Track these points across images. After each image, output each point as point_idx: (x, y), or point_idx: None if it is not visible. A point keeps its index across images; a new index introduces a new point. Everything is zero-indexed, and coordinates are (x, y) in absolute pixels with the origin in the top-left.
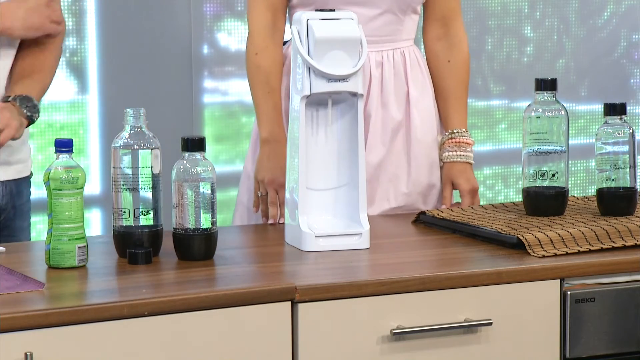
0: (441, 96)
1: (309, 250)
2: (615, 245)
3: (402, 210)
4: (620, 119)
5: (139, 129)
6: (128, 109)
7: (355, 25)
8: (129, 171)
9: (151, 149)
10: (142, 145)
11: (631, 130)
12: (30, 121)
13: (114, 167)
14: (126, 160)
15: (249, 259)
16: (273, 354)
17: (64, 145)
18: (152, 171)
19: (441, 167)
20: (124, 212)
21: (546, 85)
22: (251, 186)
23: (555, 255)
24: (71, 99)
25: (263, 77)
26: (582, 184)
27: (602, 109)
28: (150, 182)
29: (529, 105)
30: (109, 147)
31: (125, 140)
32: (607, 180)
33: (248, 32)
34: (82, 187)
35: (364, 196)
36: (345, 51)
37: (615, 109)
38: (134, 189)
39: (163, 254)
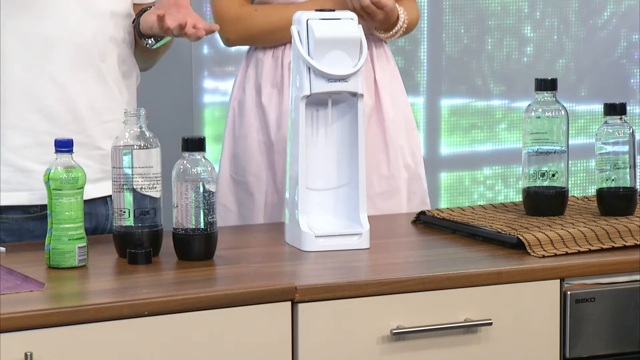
0: None
1: (309, 250)
2: (615, 245)
3: (389, 195)
4: (620, 119)
5: (139, 129)
6: (128, 109)
7: (355, 25)
8: (129, 171)
9: (151, 149)
10: (142, 145)
11: (631, 130)
12: None
13: (114, 167)
14: (126, 160)
15: (249, 259)
16: (273, 354)
17: (64, 145)
18: (152, 171)
19: None
20: (124, 212)
21: (546, 85)
22: (232, 187)
23: (555, 255)
24: None
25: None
26: (582, 184)
27: (602, 109)
28: (151, 182)
29: (529, 105)
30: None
31: (126, 141)
32: (607, 180)
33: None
34: (82, 187)
35: (364, 196)
36: (345, 51)
37: (615, 109)
38: (134, 189)
39: (163, 254)
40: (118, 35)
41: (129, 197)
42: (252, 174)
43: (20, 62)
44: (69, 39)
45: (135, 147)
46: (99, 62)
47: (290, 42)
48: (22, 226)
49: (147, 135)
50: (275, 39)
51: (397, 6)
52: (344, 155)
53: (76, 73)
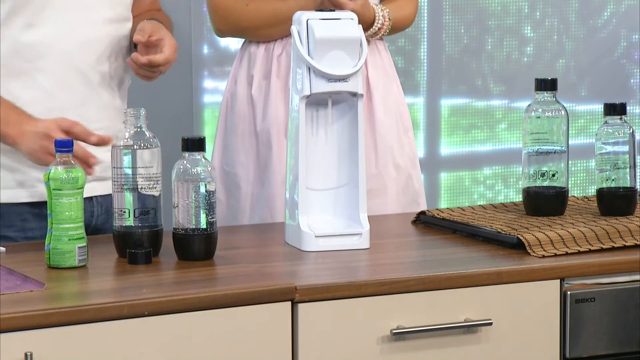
0: None
1: (309, 250)
2: (615, 245)
3: (375, 194)
4: (620, 119)
5: (139, 129)
6: (128, 109)
7: (355, 25)
8: (129, 171)
9: (151, 149)
10: (143, 145)
11: (631, 130)
12: None
13: (114, 167)
14: (126, 160)
15: (249, 259)
16: (273, 354)
17: (64, 145)
18: (152, 171)
19: None
20: (124, 212)
21: (546, 85)
22: (222, 178)
23: (555, 255)
24: None
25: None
26: (582, 184)
27: (602, 109)
28: (151, 182)
29: (529, 105)
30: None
31: (126, 140)
32: (607, 180)
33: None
34: (82, 187)
35: (364, 196)
36: (345, 51)
37: (615, 109)
38: (134, 189)
39: (163, 254)
40: (111, 41)
41: (129, 197)
42: (240, 165)
43: (9, 68)
44: (58, 46)
45: (135, 147)
46: (89, 70)
47: (280, 38)
48: (11, 210)
49: (147, 135)
50: (264, 34)
51: (377, 6)
52: (344, 155)
53: (65, 81)
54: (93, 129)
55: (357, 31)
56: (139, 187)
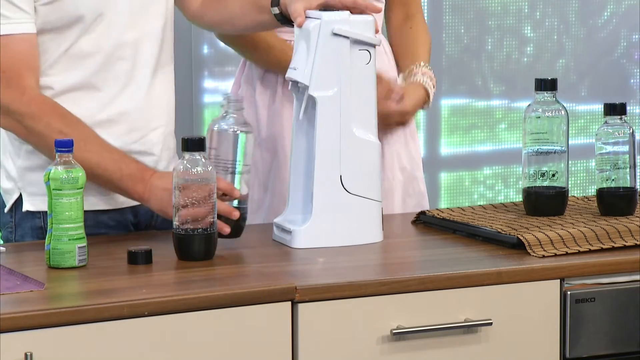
0: (403, 52)
1: (296, 247)
2: (615, 245)
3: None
4: (620, 119)
5: (237, 115)
6: (227, 95)
7: (318, 26)
8: (230, 155)
9: (247, 135)
10: (243, 130)
11: (631, 130)
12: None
13: (210, 148)
14: (232, 144)
15: (249, 259)
16: (273, 354)
17: (64, 145)
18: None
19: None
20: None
21: (546, 85)
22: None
23: (555, 255)
24: None
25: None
26: (582, 184)
27: (602, 109)
28: (247, 167)
29: (529, 105)
30: None
31: (220, 124)
32: (607, 180)
33: None
34: (82, 187)
35: (317, 195)
36: (305, 45)
37: (615, 109)
38: (233, 173)
39: (163, 254)
40: (161, 38)
41: (229, 180)
42: None
43: (77, 82)
44: (118, 54)
45: (237, 132)
46: (150, 73)
47: None
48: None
49: (242, 120)
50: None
51: (423, 76)
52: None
53: (127, 86)
54: (153, 127)
55: (312, 29)
56: (238, 171)
